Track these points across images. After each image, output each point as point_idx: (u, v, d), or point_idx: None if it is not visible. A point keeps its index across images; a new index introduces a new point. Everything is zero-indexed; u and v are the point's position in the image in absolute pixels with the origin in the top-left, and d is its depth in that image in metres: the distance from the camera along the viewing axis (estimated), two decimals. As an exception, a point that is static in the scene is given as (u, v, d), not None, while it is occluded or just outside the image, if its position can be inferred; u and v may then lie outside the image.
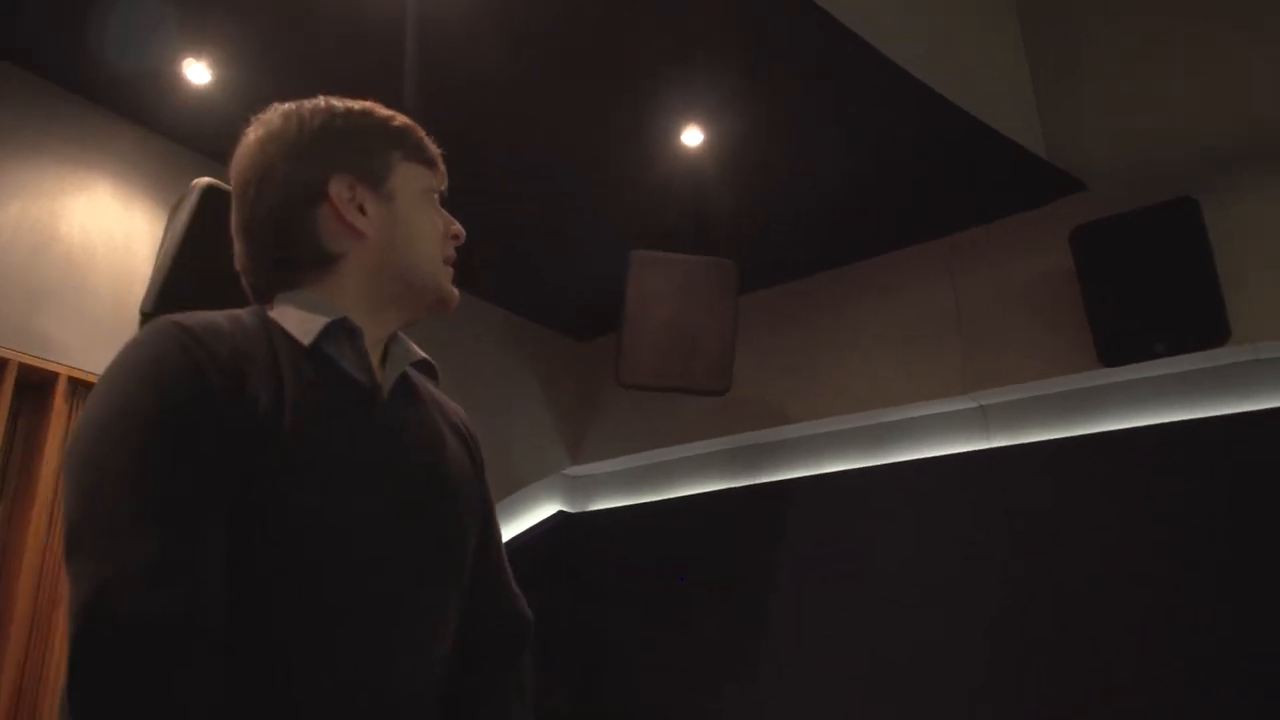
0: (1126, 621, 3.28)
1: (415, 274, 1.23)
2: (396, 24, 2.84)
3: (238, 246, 1.27)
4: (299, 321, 1.17)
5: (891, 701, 3.67)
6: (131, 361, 1.08)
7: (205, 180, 3.08)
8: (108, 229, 3.12)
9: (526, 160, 3.52)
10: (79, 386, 2.98)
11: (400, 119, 1.29)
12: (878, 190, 3.78)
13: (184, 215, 3.04)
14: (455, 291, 1.27)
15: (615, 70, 3.12)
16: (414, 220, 1.24)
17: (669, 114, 3.34)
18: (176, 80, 2.98)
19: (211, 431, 1.03)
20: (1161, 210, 3.25)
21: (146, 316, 3.10)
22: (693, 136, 3.41)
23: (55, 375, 2.93)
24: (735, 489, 4.36)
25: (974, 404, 3.80)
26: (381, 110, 1.29)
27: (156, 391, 1.04)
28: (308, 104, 1.27)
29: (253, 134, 1.26)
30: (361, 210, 1.21)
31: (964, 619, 3.60)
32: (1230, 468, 3.20)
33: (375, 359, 1.22)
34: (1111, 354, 3.34)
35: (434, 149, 1.30)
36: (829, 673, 3.86)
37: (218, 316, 1.14)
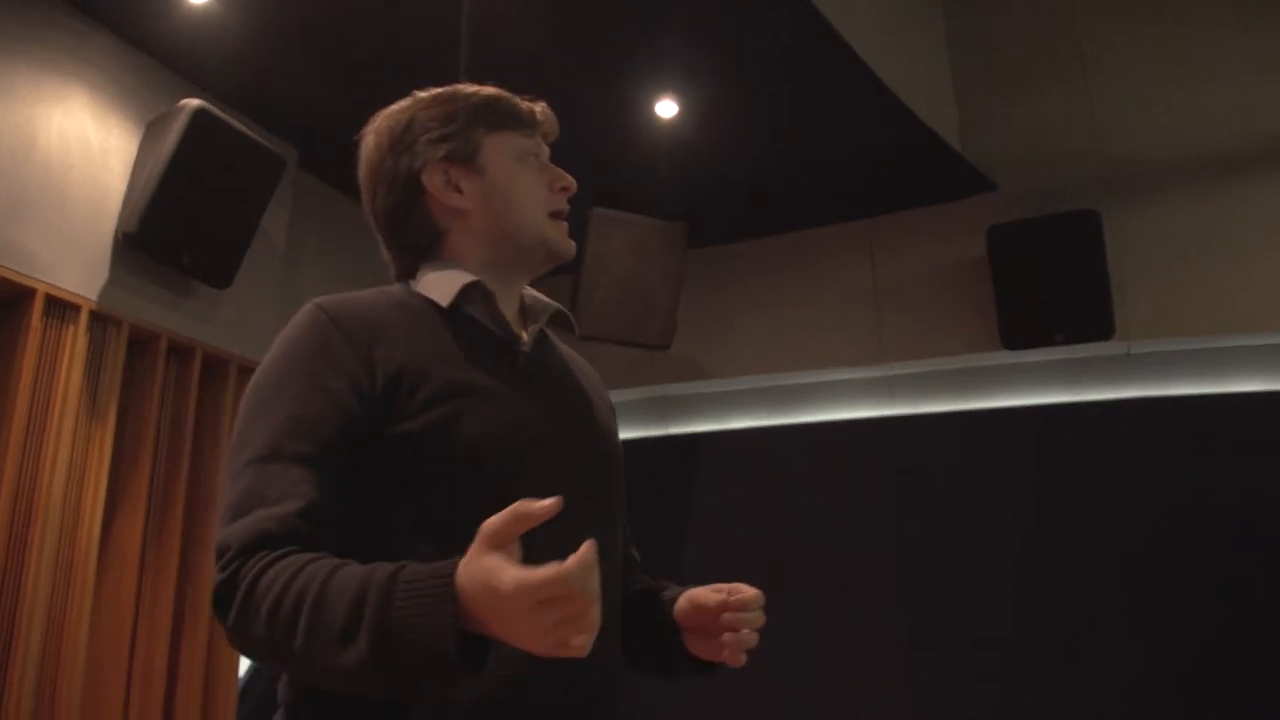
0: (1002, 575, 3.78)
1: (521, 235, 1.36)
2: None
3: (379, 237, 1.41)
4: (438, 287, 1.31)
5: (784, 655, 4.06)
6: (279, 339, 1.25)
7: (195, 102, 3.03)
8: (85, 141, 3.00)
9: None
10: (54, 304, 2.89)
11: (484, 92, 1.39)
12: (813, 169, 4.08)
13: (172, 136, 2.98)
14: (567, 242, 1.39)
15: (600, 44, 3.28)
16: (509, 186, 1.36)
17: (645, 86, 3.52)
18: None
19: (337, 381, 1.18)
20: (1068, 218, 3.72)
21: (128, 237, 3.03)
22: (667, 108, 3.59)
23: (33, 291, 2.82)
24: (648, 438, 4.63)
25: (882, 373, 4.22)
26: (466, 89, 1.39)
27: (290, 357, 1.21)
28: (402, 102, 1.39)
29: (368, 136, 1.39)
30: (459, 189, 1.34)
31: (856, 571, 4.02)
32: (1103, 445, 3.74)
33: (511, 315, 1.36)
34: (1013, 338, 3.81)
35: (527, 112, 1.40)
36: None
37: (363, 294, 1.29)
